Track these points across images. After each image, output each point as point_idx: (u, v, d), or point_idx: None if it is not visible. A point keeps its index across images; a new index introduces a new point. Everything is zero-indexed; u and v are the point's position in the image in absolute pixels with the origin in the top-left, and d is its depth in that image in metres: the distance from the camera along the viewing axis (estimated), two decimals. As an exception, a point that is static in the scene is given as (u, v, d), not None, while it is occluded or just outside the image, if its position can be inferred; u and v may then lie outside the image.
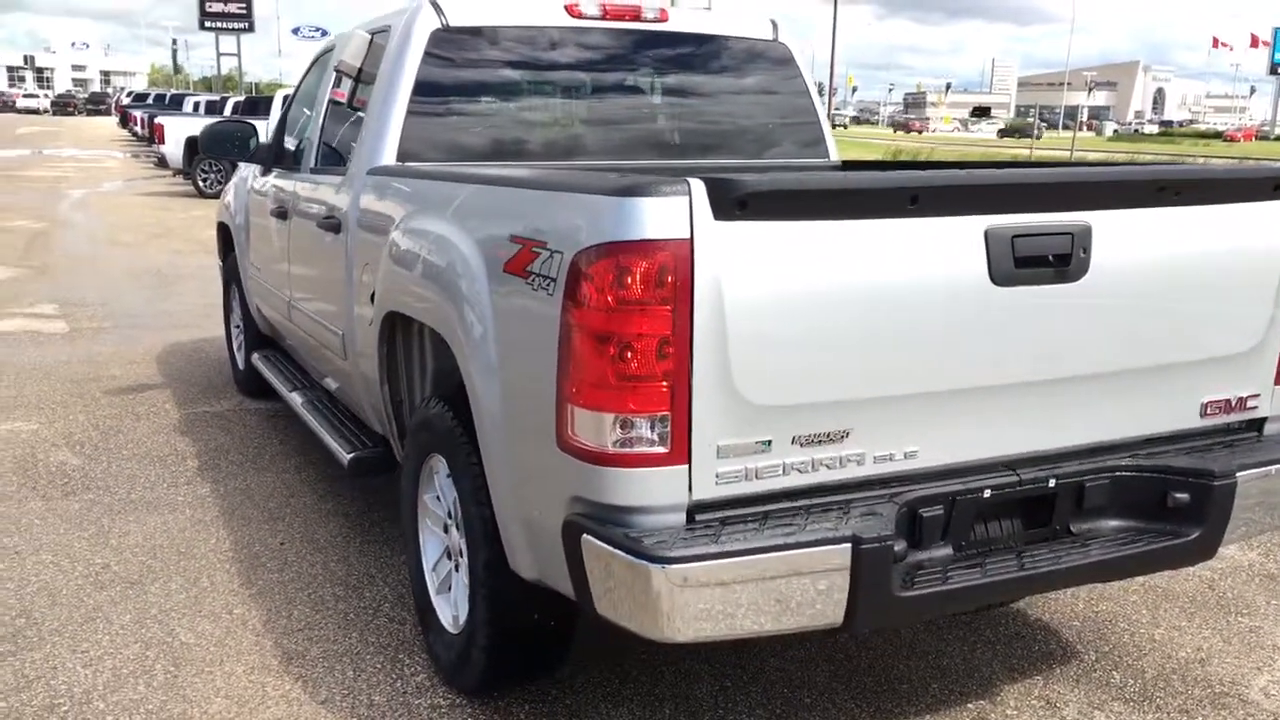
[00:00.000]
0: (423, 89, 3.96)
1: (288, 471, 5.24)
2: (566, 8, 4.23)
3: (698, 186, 2.26)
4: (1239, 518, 2.88)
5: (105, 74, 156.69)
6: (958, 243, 2.51)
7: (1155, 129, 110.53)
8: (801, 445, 2.45)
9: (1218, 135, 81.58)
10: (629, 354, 2.27)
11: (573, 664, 3.31)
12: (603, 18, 4.28)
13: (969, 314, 2.55)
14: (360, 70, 4.35)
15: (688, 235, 2.25)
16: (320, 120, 4.83)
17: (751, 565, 2.31)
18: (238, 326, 6.64)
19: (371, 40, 4.31)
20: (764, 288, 2.32)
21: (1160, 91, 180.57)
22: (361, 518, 4.65)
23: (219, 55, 63.68)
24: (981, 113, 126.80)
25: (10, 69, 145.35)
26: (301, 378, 5.39)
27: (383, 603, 3.84)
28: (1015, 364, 2.65)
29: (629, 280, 2.24)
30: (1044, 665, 3.51)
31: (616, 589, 2.35)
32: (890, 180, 2.49)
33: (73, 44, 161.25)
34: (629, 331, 2.26)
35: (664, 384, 2.28)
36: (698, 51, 4.51)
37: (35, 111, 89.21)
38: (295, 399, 5.04)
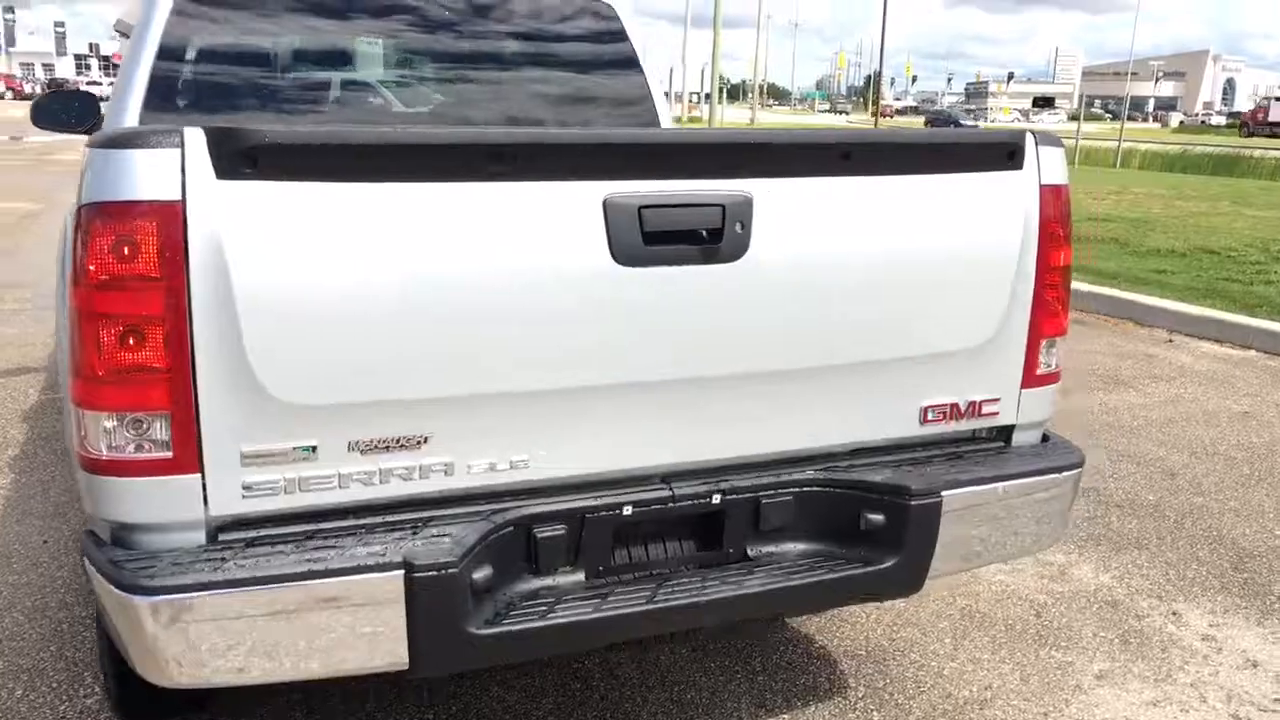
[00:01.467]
0: (170, 50, 3.61)
1: (102, 463, 4.94)
2: (346, -40, 3.87)
3: (194, 137, 1.89)
4: (950, 545, 2.46)
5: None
6: (568, 213, 2.12)
7: (1223, 120, 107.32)
8: (363, 452, 2.08)
9: (1286, 127, 78.64)
10: (115, 340, 1.91)
11: (263, 695, 2.97)
12: None
13: (585, 298, 2.15)
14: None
15: (179, 196, 1.88)
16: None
17: (265, 597, 1.95)
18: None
19: None
20: (288, 263, 1.94)
21: (1230, 82, 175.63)
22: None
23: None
24: (1044, 103, 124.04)
25: (78, 57, 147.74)
26: None
27: (104, 610, 3.52)
28: (658, 358, 2.25)
29: (110, 250, 1.88)
30: (801, 702, 3.10)
31: (119, 623, 2.00)
32: (464, 136, 2.10)
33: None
34: (112, 313, 1.90)
35: (160, 377, 1.92)
36: (503, 8, 4.11)
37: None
38: None
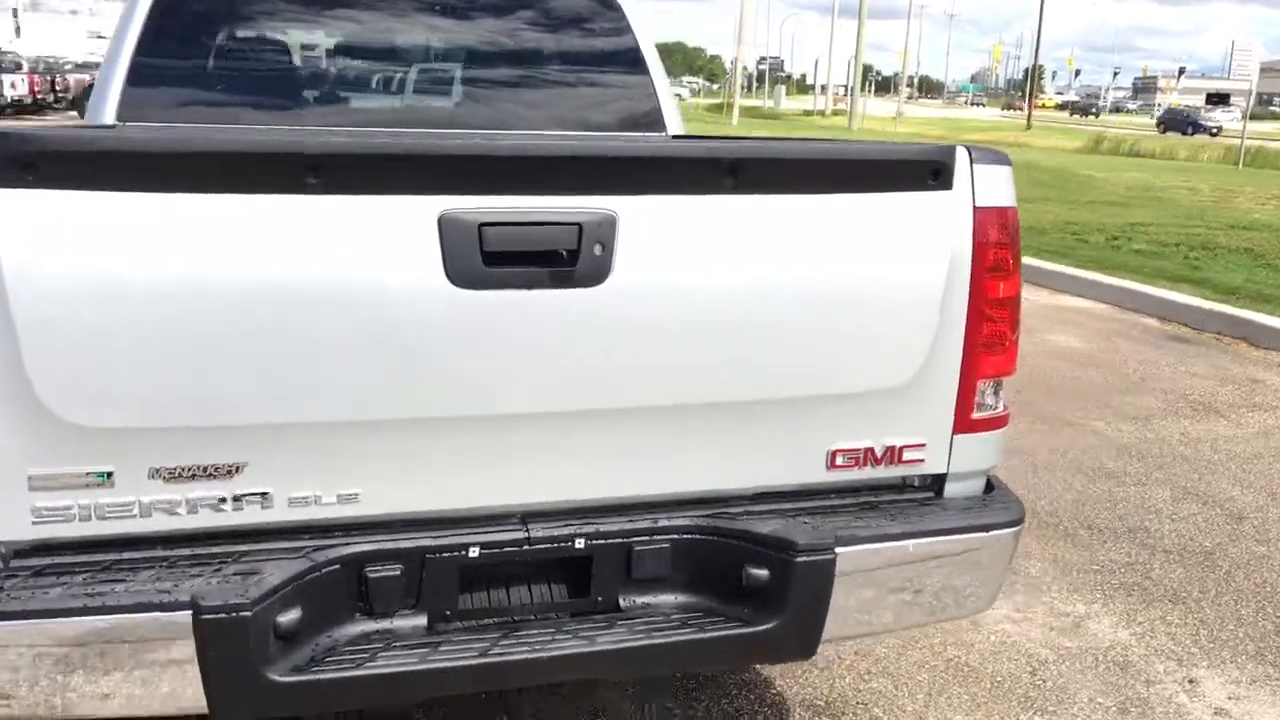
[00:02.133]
0: (150, 41, 3.57)
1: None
2: (334, -48, 3.77)
3: None
4: (848, 607, 2.19)
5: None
6: (397, 230, 1.94)
7: None
8: (166, 480, 1.94)
9: None
10: None
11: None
12: None
13: (417, 322, 1.97)
14: None
15: None
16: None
17: (36, 631, 1.84)
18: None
19: None
20: (73, 278, 1.81)
21: None
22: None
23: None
24: (1219, 100, 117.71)
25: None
26: None
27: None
28: (507, 389, 2.05)
29: None
30: (732, 756, 2.87)
31: None
32: (266, 145, 1.93)
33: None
34: None
35: None
36: (499, 3, 3.95)
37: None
38: None
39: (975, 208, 2.22)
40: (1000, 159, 2.28)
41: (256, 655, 1.90)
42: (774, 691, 3.17)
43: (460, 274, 1.96)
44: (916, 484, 2.39)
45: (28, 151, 1.77)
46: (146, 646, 1.87)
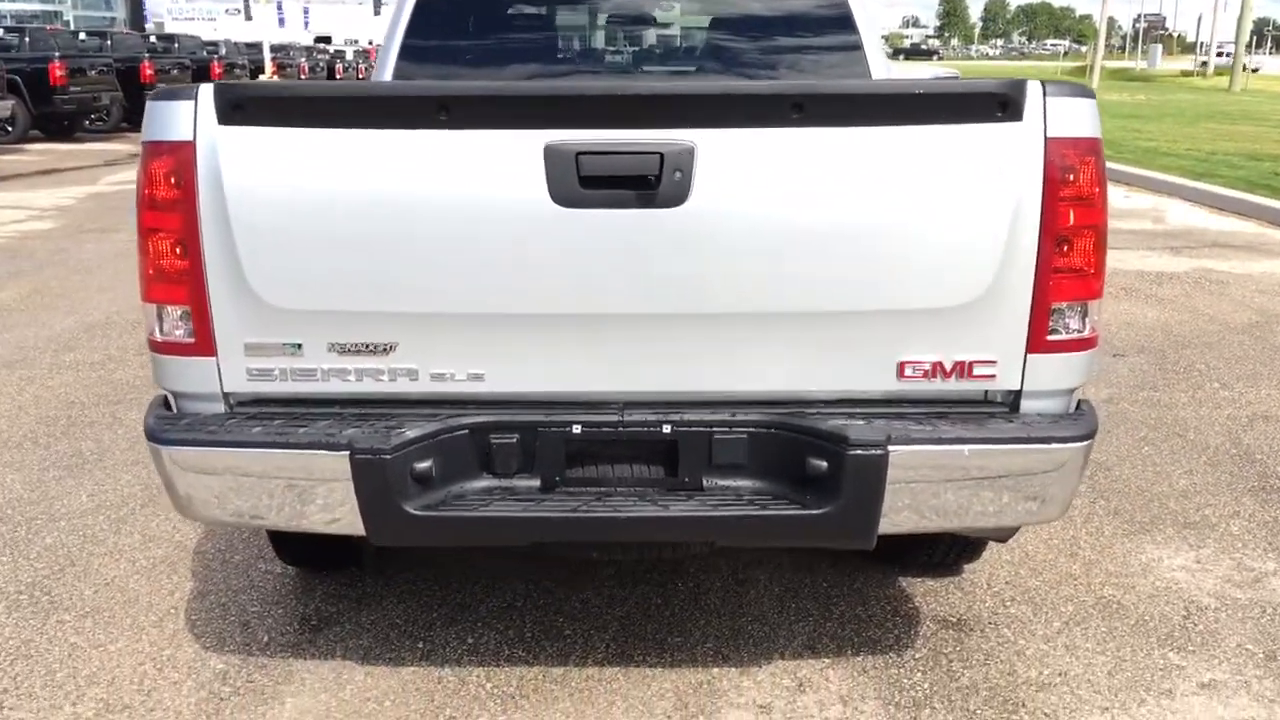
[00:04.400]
0: (419, 22, 4.23)
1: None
2: (578, -62, 4.28)
3: (205, 93, 2.40)
4: (904, 501, 2.43)
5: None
6: (510, 158, 2.39)
7: None
8: (339, 353, 2.51)
9: None
10: (155, 249, 2.48)
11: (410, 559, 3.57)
12: None
13: (526, 235, 2.41)
14: None
15: (190, 138, 2.40)
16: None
17: (237, 456, 2.45)
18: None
19: None
20: (267, 193, 2.39)
21: None
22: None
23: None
24: None
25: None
26: None
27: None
28: (602, 293, 2.45)
29: (150, 179, 2.45)
30: (851, 653, 3.13)
31: (155, 465, 2.59)
32: (411, 89, 2.41)
33: None
34: (152, 227, 2.47)
35: (183, 278, 2.47)
36: None
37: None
38: None
39: (1048, 139, 2.37)
40: (1081, 92, 2.40)
41: (396, 490, 2.43)
42: (910, 605, 3.39)
43: (561, 194, 2.37)
44: (999, 399, 2.56)
45: (238, 98, 2.37)
46: (318, 477, 2.45)
